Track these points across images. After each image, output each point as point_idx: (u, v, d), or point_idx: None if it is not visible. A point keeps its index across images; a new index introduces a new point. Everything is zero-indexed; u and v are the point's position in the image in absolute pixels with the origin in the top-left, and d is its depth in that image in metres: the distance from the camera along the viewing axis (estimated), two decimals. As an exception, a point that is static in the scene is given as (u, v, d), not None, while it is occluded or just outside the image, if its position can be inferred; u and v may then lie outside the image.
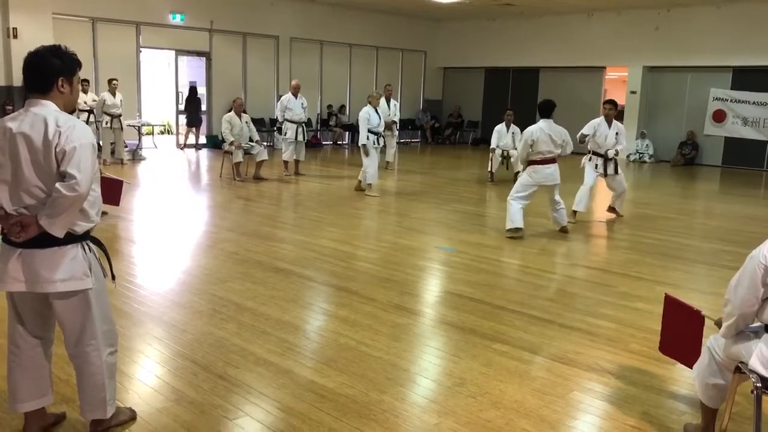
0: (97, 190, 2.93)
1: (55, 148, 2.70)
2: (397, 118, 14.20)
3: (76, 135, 2.73)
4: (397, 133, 14.48)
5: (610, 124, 8.67)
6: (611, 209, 9.29)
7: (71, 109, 2.99)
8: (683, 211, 10.56)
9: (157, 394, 3.57)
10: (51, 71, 2.82)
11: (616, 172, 8.79)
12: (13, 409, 3.03)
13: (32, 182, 2.74)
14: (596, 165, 8.72)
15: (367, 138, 10.56)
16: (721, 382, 3.05)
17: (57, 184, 2.66)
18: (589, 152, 8.88)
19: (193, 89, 17.12)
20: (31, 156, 2.72)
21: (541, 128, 7.46)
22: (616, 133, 8.69)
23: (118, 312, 4.74)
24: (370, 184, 10.61)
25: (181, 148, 16.83)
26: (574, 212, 8.63)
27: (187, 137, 17.09)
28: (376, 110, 10.87)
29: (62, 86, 2.85)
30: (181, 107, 17.51)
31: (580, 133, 8.73)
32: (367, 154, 10.49)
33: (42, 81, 2.82)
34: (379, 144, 10.96)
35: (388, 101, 13.85)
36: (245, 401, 3.48)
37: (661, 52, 17.06)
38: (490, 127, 13.32)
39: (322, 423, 3.27)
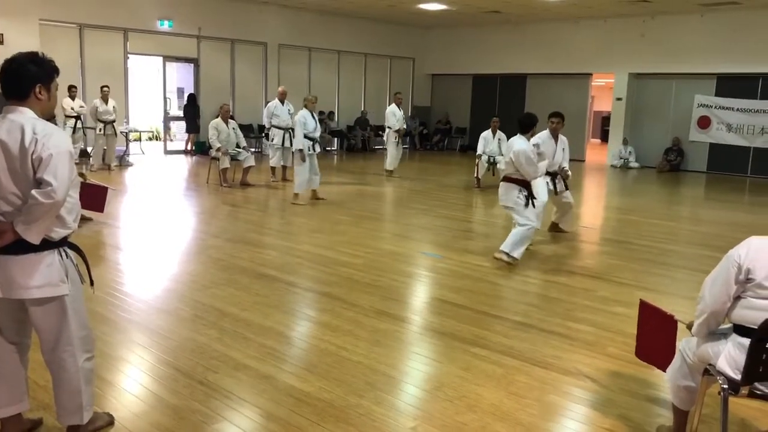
0: (74, 197, 2.94)
1: (32, 155, 2.71)
2: (404, 126, 14.44)
3: (53, 142, 2.75)
4: (400, 140, 14.56)
5: (556, 139, 7.83)
6: (555, 226, 8.44)
7: (49, 115, 3.01)
8: (668, 216, 10.65)
9: (136, 400, 3.58)
10: (28, 78, 2.84)
11: (566, 188, 8.10)
12: (-10, 415, 3.04)
13: (9, 189, 2.75)
14: (547, 182, 7.78)
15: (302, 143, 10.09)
16: (691, 385, 3.10)
17: (33, 191, 2.68)
18: None
19: (191, 96, 17.16)
20: (7, 163, 2.74)
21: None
22: (563, 149, 7.93)
23: (102, 318, 4.76)
24: (296, 194, 10.15)
25: (187, 154, 17.09)
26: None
27: (187, 143, 17.32)
28: (312, 114, 10.44)
29: (40, 93, 2.87)
30: (171, 113, 17.53)
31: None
32: (303, 160, 10.04)
33: (19, 88, 2.83)
34: (314, 150, 10.38)
35: (399, 107, 14.30)
36: (224, 406, 3.50)
37: (647, 60, 17.24)
38: (478, 133, 13.41)
39: (299, 427, 3.29)
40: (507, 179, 6.68)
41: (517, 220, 6.67)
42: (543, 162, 6.84)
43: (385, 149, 14.74)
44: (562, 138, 7.93)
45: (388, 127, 14.24)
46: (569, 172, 8.08)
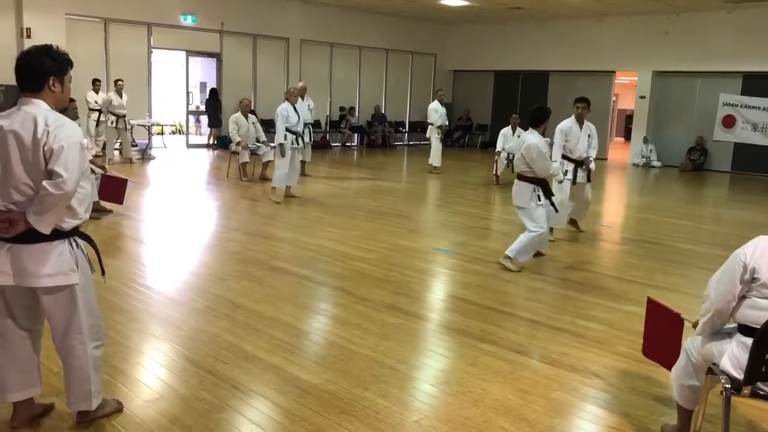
0: (86, 188, 3.00)
1: (44, 146, 2.78)
2: (446, 123, 14.60)
3: (64, 134, 2.81)
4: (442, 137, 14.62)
5: (581, 125, 7.62)
6: (573, 222, 8.18)
7: (62, 107, 3.08)
8: (688, 216, 10.53)
9: (145, 388, 3.66)
10: (42, 70, 2.90)
11: (588, 179, 7.85)
12: (2, 399, 3.11)
13: (21, 179, 2.82)
14: (566, 171, 7.62)
15: (285, 137, 9.80)
16: (696, 384, 3.08)
17: (44, 182, 2.75)
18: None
19: (213, 91, 17.32)
20: (20, 154, 2.81)
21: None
22: (588, 136, 7.68)
23: (116, 308, 4.85)
24: (274, 188, 9.87)
25: (209, 148, 17.28)
26: (551, 229, 7.33)
27: (209, 137, 17.52)
28: (295, 107, 10.02)
29: (53, 85, 2.93)
30: (192, 107, 17.71)
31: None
32: (283, 154, 9.75)
33: (33, 80, 2.90)
34: (297, 144, 10.06)
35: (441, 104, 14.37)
36: (231, 396, 3.56)
37: (671, 57, 17.02)
38: (500, 130, 13.35)
39: (303, 418, 3.34)
40: (520, 177, 6.36)
41: (527, 224, 6.31)
42: (556, 163, 6.62)
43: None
44: (588, 125, 7.69)
45: (430, 124, 14.33)
46: (592, 163, 7.76)
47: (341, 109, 19.58)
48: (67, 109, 6.83)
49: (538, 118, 6.33)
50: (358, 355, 4.17)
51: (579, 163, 7.65)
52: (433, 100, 15.25)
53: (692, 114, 17.47)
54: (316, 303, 5.36)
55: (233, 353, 4.12)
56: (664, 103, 17.89)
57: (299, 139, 10.10)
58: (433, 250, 7.23)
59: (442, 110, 14.28)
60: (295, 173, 10.16)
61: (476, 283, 5.95)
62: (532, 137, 6.25)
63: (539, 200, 6.29)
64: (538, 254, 6.76)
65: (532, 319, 5.02)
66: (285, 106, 9.93)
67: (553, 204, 6.47)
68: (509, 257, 6.34)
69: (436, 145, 14.20)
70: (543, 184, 6.35)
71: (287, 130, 9.83)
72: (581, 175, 7.71)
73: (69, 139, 2.81)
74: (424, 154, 19.28)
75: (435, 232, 8.25)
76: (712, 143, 17.09)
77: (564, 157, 7.62)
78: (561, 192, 7.57)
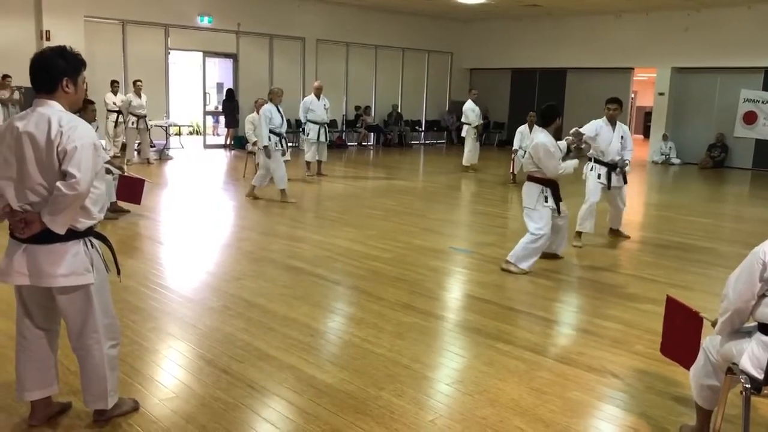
0: (100, 188, 3.02)
1: (57, 147, 2.80)
2: (482, 122, 14.83)
3: (78, 135, 2.83)
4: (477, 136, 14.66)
5: (614, 126, 7.42)
6: (614, 232, 7.94)
7: (76, 108, 3.10)
8: (708, 214, 10.40)
9: (161, 387, 3.67)
10: (56, 72, 2.92)
11: (625, 182, 7.63)
12: (20, 398, 3.15)
13: (36, 180, 2.84)
14: (599, 175, 7.42)
15: (269, 140, 9.65)
16: (715, 384, 3.03)
17: (58, 183, 2.77)
18: (590, 160, 7.57)
19: (230, 92, 17.41)
20: (35, 154, 2.83)
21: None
22: (621, 137, 7.45)
23: (132, 307, 4.88)
24: (283, 190, 9.71)
25: (226, 148, 17.34)
26: (579, 233, 7.45)
27: (226, 138, 17.62)
28: (278, 109, 9.88)
29: (67, 86, 2.95)
30: (209, 108, 17.80)
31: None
32: (269, 156, 9.59)
33: (47, 81, 2.92)
34: (282, 146, 9.96)
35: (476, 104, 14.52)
36: (246, 395, 3.56)
37: (691, 53, 16.83)
38: (517, 128, 13.27)
39: (318, 417, 3.33)
40: (530, 177, 6.19)
41: (529, 226, 6.12)
42: (572, 161, 6.33)
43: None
44: (621, 126, 7.47)
45: (467, 123, 14.37)
46: (628, 165, 7.53)
47: (357, 108, 19.59)
48: (86, 110, 6.95)
49: (549, 117, 6.19)
50: (373, 354, 4.16)
51: (612, 167, 7.42)
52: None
53: (712, 110, 17.25)
54: (332, 302, 5.36)
55: (248, 352, 4.12)
56: (684, 100, 17.69)
57: (282, 141, 9.97)
58: (450, 249, 7.20)
59: (478, 110, 14.39)
60: (269, 175, 9.90)
61: (492, 282, 5.92)
62: (540, 136, 6.11)
63: (546, 201, 6.11)
64: (554, 257, 6.67)
65: (548, 318, 4.98)
66: (268, 107, 9.83)
67: (559, 208, 6.25)
68: (511, 262, 6.16)
69: (471, 145, 14.26)
70: (553, 186, 6.17)
71: (271, 131, 9.70)
72: (615, 179, 7.46)
73: (82, 140, 2.83)
74: (441, 153, 19.32)
75: (451, 232, 8.22)
76: (733, 140, 16.87)
77: (596, 160, 7.45)
78: (592, 195, 7.42)
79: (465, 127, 14.50)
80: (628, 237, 7.91)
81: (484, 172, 14.29)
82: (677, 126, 17.77)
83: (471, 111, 14.27)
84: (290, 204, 9.58)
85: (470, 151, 14.28)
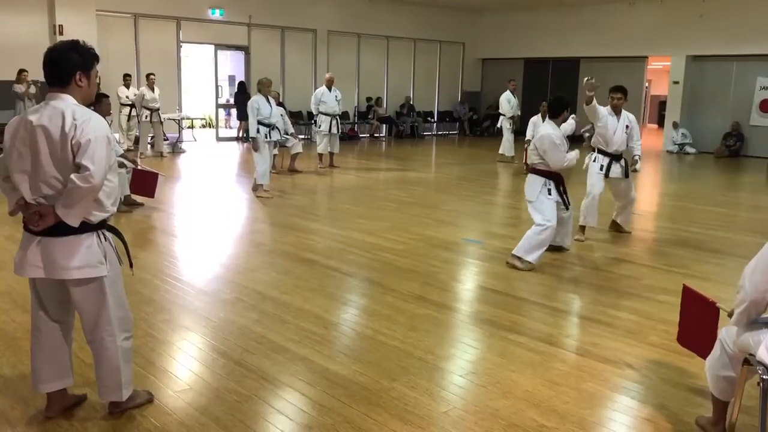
0: (113, 181, 3.03)
1: (71, 140, 2.81)
2: (518, 113, 14.72)
3: (91, 127, 2.83)
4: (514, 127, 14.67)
5: (618, 116, 7.14)
6: (615, 225, 7.64)
7: (89, 101, 3.11)
8: (723, 203, 10.30)
9: (175, 379, 3.69)
10: (69, 66, 2.92)
11: (626, 176, 7.26)
12: (36, 390, 3.17)
13: (50, 173, 2.85)
14: (601, 166, 7.17)
15: (258, 131, 9.46)
16: (732, 375, 3.00)
17: (71, 176, 2.78)
18: (593, 150, 7.32)
19: (242, 84, 17.41)
20: (49, 148, 2.84)
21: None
22: (627, 127, 7.16)
23: (147, 300, 4.91)
24: (261, 185, 9.43)
25: (239, 141, 17.32)
26: (582, 228, 7.23)
27: (239, 130, 17.64)
28: (268, 99, 9.65)
29: (80, 80, 2.95)
30: (221, 101, 17.81)
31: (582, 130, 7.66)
32: (256, 149, 9.35)
33: (60, 75, 2.93)
34: (271, 137, 9.68)
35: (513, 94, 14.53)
36: (259, 386, 3.57)
37: (706, 41, 16.64)
38: (529, 118, 13.19)
39: (331, 409, 3.33)
40: (533, 170, 6.07)
41: (534, 218, 5.98)
42: (573, 152, 6.12)
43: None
44: (627, 115, 7.19)
45: (502, 114, 14.36)
46: (637, 158, 7.25)
47: (368, 99, 19.54)
48: (101, 104, 6.95)
49: (557, 109, 6.07)
50: (386, 346, 4.15)
51: (615, 157, 7.20)
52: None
53: (728, 99, 17.06)
54: (345, 294, 5.36)
55: (262, 344, 4.13)
56: (699, 88, 17.50)
57: (272, 132, 9.74)
58: (462, 240, 7.18)
59: (515, 101, 14.37)
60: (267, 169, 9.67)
61: (505, 273, 5.89)
62: (547, 127, 6.00)
63: (549, 194, 5.99)
64: (561, 249, 6.58)
65: (562, 309, 4.96)
66: (256, 98, 9.61)
67: (564, 201, 6.14)
68: (516, 256, 6.00)
69: (507, 136, 14.25)
70: (556, 178, 6.04)
71: (260, 123, 9.52)
72: (615, 170, 7.18)
73: (96, 133, 2.84)
74: (454, 144, 19.25)
75: (464, 223, 8.20)
76: (749, 128, 16.68)
77: (599, 150, 7.23)
78: (595, 188, 7.17)
79: (500, 118, 14.52)
80: (629, 233, 7.64)
81: (491, 163, 14.24)
82: (692, 115, 17.59)
83: (506, 102, 14.29)
84: (269, 199, 9.22)
85: (507, 141, 14.24)
